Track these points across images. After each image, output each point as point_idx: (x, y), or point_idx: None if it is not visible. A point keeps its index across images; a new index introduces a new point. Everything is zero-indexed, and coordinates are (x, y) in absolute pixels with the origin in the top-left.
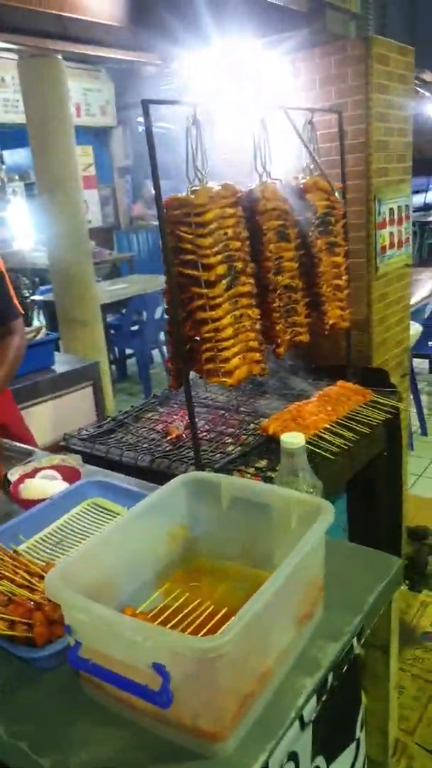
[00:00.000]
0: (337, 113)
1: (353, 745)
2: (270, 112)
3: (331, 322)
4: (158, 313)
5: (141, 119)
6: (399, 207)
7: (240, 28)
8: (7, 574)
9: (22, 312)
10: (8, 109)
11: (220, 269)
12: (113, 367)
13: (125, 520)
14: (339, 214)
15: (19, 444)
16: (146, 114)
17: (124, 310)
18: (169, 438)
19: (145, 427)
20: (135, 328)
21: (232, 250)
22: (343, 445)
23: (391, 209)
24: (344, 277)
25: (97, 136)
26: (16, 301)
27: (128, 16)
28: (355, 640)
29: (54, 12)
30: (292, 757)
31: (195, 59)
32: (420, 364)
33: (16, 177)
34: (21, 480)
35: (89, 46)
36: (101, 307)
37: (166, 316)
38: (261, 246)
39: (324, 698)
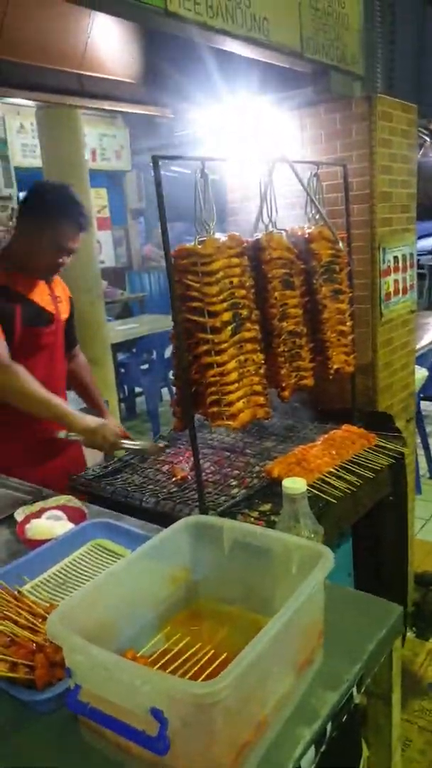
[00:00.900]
0: (342, 166)
1: None
2: (276, 164)
3: (335, 366)
4: (168, 352)
5: None
6: (403, 255)
7: (246, 86)
8: (10, 614)
9: None
10: (26, 154)
11: (226, 316)
12: (122, 405)
13: (127, 562)
14: (343, 263)
15: (26, 483)
16: (156, 168)
17: (134, 349)
18: (174, 479)
19: (151, 468)
20: (145, 366)
21: (238, 297)
22: (347, 489)
23: (396, 257)
24: (348, 323)
25: (111, 179)
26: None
27: (141, 74)
28: (354, 689)
29: (72, 71)
30: None
31: (205, 114)
32: (428, 407)
33: None
34: (27, 520)
35: (105, 102)
36: (112, 346)
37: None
38: (266, 293)
39: (323, 748)
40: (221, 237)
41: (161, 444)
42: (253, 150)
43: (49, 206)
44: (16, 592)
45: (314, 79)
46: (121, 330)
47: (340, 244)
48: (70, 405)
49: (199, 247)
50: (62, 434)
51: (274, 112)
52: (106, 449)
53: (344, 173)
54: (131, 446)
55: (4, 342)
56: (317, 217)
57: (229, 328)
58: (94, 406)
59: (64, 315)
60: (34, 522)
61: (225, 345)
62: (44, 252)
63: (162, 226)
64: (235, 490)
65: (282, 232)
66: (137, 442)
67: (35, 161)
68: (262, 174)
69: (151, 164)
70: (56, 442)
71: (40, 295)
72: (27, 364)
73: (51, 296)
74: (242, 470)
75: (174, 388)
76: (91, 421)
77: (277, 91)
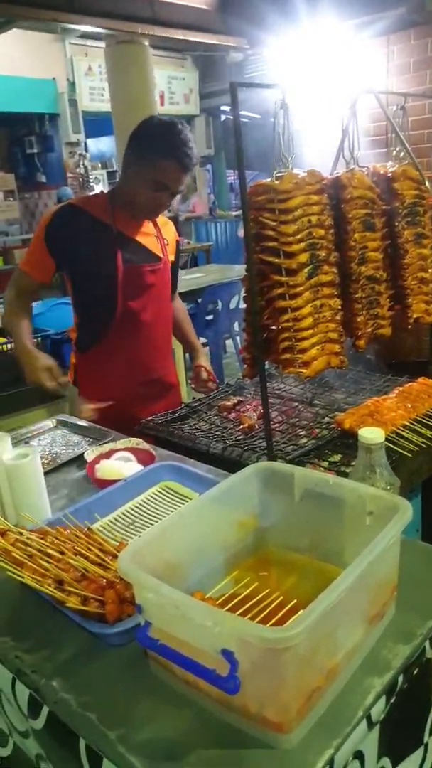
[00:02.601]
0: None
1: (420, 750)
2: (360, 96)
3: (415, 316)
4: (233, 303)
5: (224, 108)
6: None
7: (332, 8)
8: (81, 550)
9: None
10: (94, 98)
11: (303, 257)
12: (186, 355)
13: (197, 505)
14: (428, 205)
15: (96, 425)
16: (234, 97)
17: (199, 299)
18: (241, 427)
19: (218, 415)
20: (209, 317)
21: (316, 238)
22: (422, 444)
23: None
24: (431, 270)
25: None
26: None
27: (217, 0)
28: (427, 644)
29: None
30: (358, 756)
31: (283, 43)
32: None
33: (99, 165)
34: (97, 460)
35: (178, 31)
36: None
37: (241, 306)
38: (345, 235)
39: (393, 700)
40: (300, 173)
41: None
42: (335, 81)
43: (153, 143)
44: (86, 529)
45: None
46: (187, 279)
47: (427, 184)
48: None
49: (277, 182)
50: None
51: (357, 40)
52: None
53: None
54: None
55: (32, 277)
56: (402, 154)
57: (306, 270)
58: (190, 349)
59: (171, 257)
60: (104, 462)
61: (300, 288)
62: (145, 191)
63: (238, 160)
64: (304, 440)
65: (364, 169)
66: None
67: (103, 105)
68: (345, 106)
69: (224, 106)
70: (155, 385)
71: (146, 236)
72: (134, 306)
73: (158, 237)
74: (311, 421)
75: (244, 335)
76: (33, 358)
77: (363, 14)
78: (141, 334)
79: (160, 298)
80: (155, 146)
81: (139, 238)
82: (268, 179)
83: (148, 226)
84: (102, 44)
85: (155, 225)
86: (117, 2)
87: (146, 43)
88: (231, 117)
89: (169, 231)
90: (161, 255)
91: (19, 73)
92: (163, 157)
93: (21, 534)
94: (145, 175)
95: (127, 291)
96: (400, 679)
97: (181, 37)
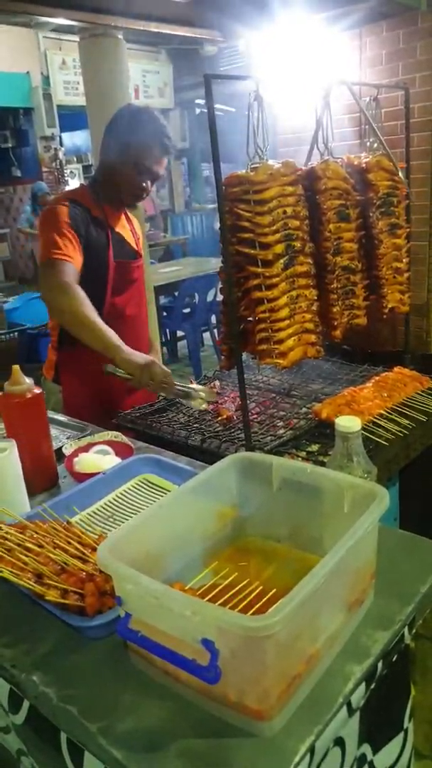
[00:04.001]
0: (404, 89)
1: (401, 736)
2: (333, 88)
3: (390, 305)
4: (210, 296)
5: (199, 101)
6: None
7: (304, 1)
8: (60, 544)
9: None
10: (68, 91)
11: (278, 248)
12: (164, 348)
13: (175, 496)
14: (402, 195)
15: (74, 420)
16: (208, 89)
17: (176, 293)
18: (219, 419)
19: (195, 408)
20: (187, 310)
21: (291, 228)
22: (398, 432)
23: None
24: (405, 260)
25: None
26: None
27: None
28: (406, 630)
29: None
30: (339, 742)
31: (257, 36)
32: None
33: (74, 159)
34: (75, 454)
35: (151, 23)
36: (154, 290)
37: (218, 299)
38: (320, 226)
39: (372, 686)
40: (275, 164)
41: (214, 388)
42: (308, 73)
43: (134, 128)
44: (65, 522)
45: None
46: (164, 273)
47: (400, 175)
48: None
49: (252, 173)
50: (109, 368)
51: (330, 31)
52: (152, 388)
53: (405, 98)
54: (182, 388)
55: (73, 265)
56: (375, 145)
57: (281, 261)
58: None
59: (141, 251)
60: (83, 456)
61: (276, 279)
62: (129, 176)
63: (213, 149)
64: (282, 431)
65: (338, 160)
66: (189, 385)
67: (78, 99)
68: (318, 98)
69: (198, 99)
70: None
71: (124, 229)
72: (120, 302)
73: (132, 232)
74: (288, 411)
75: (221, 326)
76: (140, 357)
77: (335, 7)
78: (125, 328)
79: (140, 292)
80: (137, 131)
81: (122, 233)
82: (243, 171)
83: (123, 220)
84: (76, 38)
85: (128, 219)
86: None
87: (120, 36)
88: (206, 110)
89: (137, 226)
90: (139, 250)
91: None
92: (146, 141)
93: None
94: (129, 160)
95: (115, 286)
96: (380, 665)
97: (155, 30)
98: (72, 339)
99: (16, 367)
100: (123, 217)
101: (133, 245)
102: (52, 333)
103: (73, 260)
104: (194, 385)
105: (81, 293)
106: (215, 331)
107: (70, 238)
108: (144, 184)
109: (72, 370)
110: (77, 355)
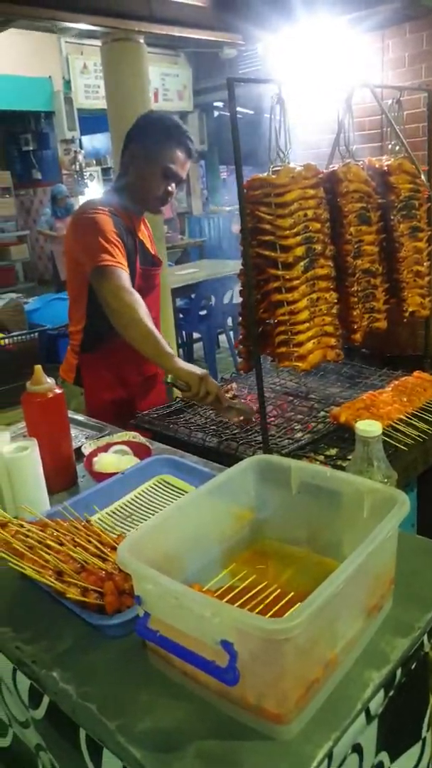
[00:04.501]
0: (427, 91)
1: (419, 745)
2: (355, 90)
3: (410, 309)
4: (226, 298)
5: (218, 104)
6: None
7: (327, 4)
8: (80, 542)
9: None
10: (89, 95)
11: (299, 251)
12: (180, 350)
13: (194, 497)
14: (423, 198)
15: (92, 420)
16: (231, 92)
17: (193, 295)
18: (237, 420)
19: (213, 410)
20: (203, 312)
21: (312, 231)
22: (417, 437)
23: None
24: (426, 263)
25: None
26: None
27: None
28: (425, 638)
29: None
30: (357, 749)
31: (278, 39)
32: None
33: (94, 162)
34: (94, 453)
35: (174, 28)
36: (171, 291)
37: (235, 301)
38: (341, 228)
39: (391, 693)
40: (296, 167)
41: (231, 390)
42: (329, 75)
43: (159, 133)
44: (85, 521)
45: None
46: (181, 275)
47: (422, 177)
48: None
49: (273, 176)
50: (169, 379)
51: (352, 34)
52: (207, 401)
53: (429, 100)
54: (235, 405)
55: (127, 273)
56: (397, 148)
57: (302, 264)
58: None
59: (159, 257)
60: (102, 455)
61: (296, 282)
62: (153, 180)
63: (236, 155)
64: (299, 434)
65: (360, 163)
66: (237, 402)
67: (98, 102)
68: (339, 101)
69: (217, 102)
70: (154, 379)
71: (143, 235)
72: None
73: (150, 239)
74: (306, 414)
75: (239, 328)
76: (197, 369)
77: (358, 9)
78: None
79: (159, 297)
80: (161, 136)
81: (143, 239)
82: (264, 174)
83: (143, 228)
84: (97, 42)
85: (146, 226)
86: (115, 0)
87: (141, 40)
88: (224, 113)
89: (152, 230)
90: (156, 255)
91: (16, 72)
92: (171, 146)
93: (21, 526)
94: (155, 165)
95: (140, 292)
96: (399, 672)
97: (178, 35)
98: (95, 342)
99: (38, 367)
100: (142, 223)
101: (152, 250)
102: (74, 336)
103: (125, 268)
104: (241, 403)
105: (141, 300)
106: (231, 333)
107: (119, 247)
108: (170, 189)
109: (93, 373)
110: (98, 359)
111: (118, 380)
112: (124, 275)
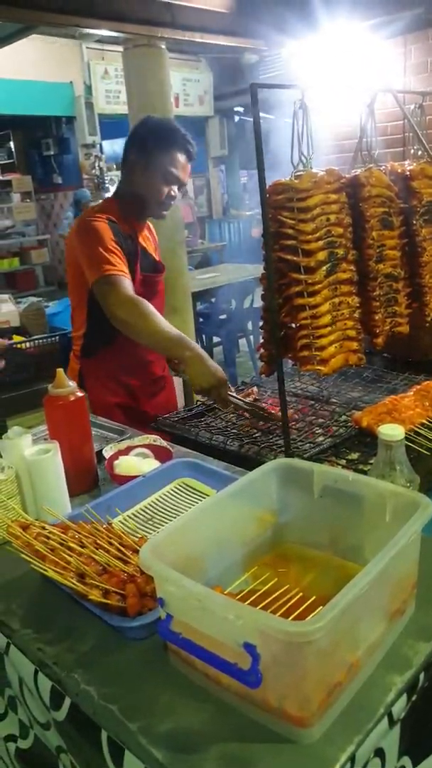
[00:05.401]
0: None
1: None
2: (377, 95)
3: None
4: (247, 302)
5: (238, 109)
6: None
7: (349, 10)
8: (102, 544)
9: None
10: (110, 100)
11: (321, 255)
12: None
13: (216, 500)
14: None
15: (113, 423)
16: (254, 98)
17: (213, 299)
18: (259, 424)
19: (234, 413)
20: (223, 316)
21: (335, 236)
22: None
23: None
24: None
25: (193, 126)
26: None
27: (235, 3)
28: None
29: (163, 0)
30: (379, 753)
31: (300, 44)
32: None
33: (114, 166)
34: (115, 456)
35: (196, 33)
36: (192, 296)
37: (255, 305)
38: (363, 233)
39: (414, 698)
40: (318, 172)
41: (252, 394)
42: (352, 81)
43: (160, 138)
44: (107, 524)
45: None
46: (201, 279)
47: None
48: None
49: (296, 181)
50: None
51: (374, 39)
52: (215, 395)
53: None
54: (244, 405)
55: (129, 281)
56: (419, 153)
57: (324, 268)
58: None
59: (162, 262)
60: (123, 458)
61: (319, 286)
62: (155, 184)
63: (258, 160)
64: (321, 438)
65: (382, 167)
66: (247, 400)
67: (118, 107)
68: (362, 106)
69: (237, 107)
70: (157, 382)
71: (147, 241)
72: None
73: (154, 244)
74: (328, 419)
75: (261, 332)
76: (216, 371)
77: (380, 15)
78: None
79: (162, 304)
80: (162, 141)
81: (146, 245)
82: (285, 178)
83: (145, 233)
84: (118, 48)
85: (149, 231)
86: (137, 7)
87: (163, 46)
88: (245, 118)
89: (172, 234)
90: (160, 261)
91: (37, 77)
92: (172, 149)
93: (43, 528)
94: (156, 170)
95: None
96: (422, 677)
97: (199, 40)
98: (96, 346)
99: (60, 371)
100: (146, 229)
101: (155, 256)
102: (76, 342)
103: (127, 275)
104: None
105: (151, 306)
106: (251, 337)
107: (119, 255)
108: (172, 192)
109: (95, 377)
110: (98, 363)
111: (119, 384)
112: (126, 282)
